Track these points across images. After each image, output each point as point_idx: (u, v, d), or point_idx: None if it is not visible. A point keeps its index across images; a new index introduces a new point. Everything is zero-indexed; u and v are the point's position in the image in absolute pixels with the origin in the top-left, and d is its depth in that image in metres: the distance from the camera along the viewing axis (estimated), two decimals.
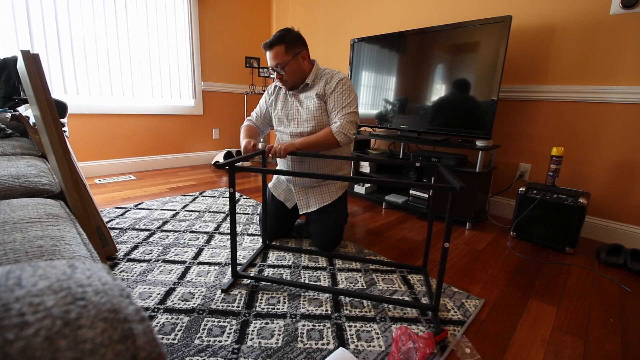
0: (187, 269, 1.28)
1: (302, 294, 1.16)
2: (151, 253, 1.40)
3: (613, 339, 1.03)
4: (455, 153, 2.02)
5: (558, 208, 1.63)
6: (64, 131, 1.60)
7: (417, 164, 1.35)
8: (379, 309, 1.10)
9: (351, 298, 1.15)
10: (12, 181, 0.97)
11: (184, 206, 2.00)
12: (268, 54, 1.40)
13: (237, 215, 1.91)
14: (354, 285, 1.23)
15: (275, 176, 1.70)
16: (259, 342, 0.92)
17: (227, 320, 1.00)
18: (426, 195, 2.03)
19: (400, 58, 2.19)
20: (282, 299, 1.13)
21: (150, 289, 1.14)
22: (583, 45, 1.75)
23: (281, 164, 1.64)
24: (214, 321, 0.99)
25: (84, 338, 0.22)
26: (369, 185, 2.34)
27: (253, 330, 0.96)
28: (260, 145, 3.52)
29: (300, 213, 1.57)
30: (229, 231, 1.66)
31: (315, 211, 1.54)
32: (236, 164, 1.09)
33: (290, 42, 1.38)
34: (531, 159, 2.01)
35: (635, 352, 0.98)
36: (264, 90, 3.46)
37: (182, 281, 1.20)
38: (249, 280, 1.23)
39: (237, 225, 1.76)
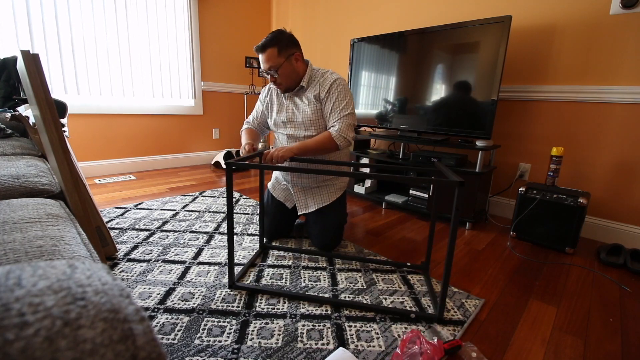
0: (187, 269, 1.28)
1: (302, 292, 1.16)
2: (151, 253, 1.40)
3: (613, 339, 1.03)
4: (455, 153, 2.02)
5: (558, 208, 1.63)
6: (64, 131, 1.60)
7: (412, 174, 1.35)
8: (379, 309, 1.10)
9: (351, 298, 1.15)
10: (12, 181, 0.97)
11: (184, 206, 2.00)
12: (261, 57, 1.37)
13: (237, 215, 1.91)
14: (353, 285, 1.23)
15: (274, 177, 1.70)
16: (259, 342, 0.92)
17: (227, 320, 1.00)
18: (426, 195, 2.03)
19: (400, 58, 2.19)
20: (282, 299, 1.13)
21: (150, 289, 1.14)
22: (583, 45, 1.75)
23: (279, 173, 1.64)
24: (214, 321, 0.99)
25: (84, 338, 0.22)
26: (368, 185, 2.34)
27: (253, 330, 0.96)
28: (260, 145, 3.52)
29: (299, 214, 1.58)
30: None
31: (314, 212, 1.54)
32: (235, 161, 1.08)
33: (282, 44, 1.35)
34: (531, 159, 2.01)
35: (635, 352, 0.98)
36: None
37: (182, 281, 1.20)
38: (248, 281, 1.23)
39: (237, 225, 1.76)
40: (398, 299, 1.16)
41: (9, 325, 0.20)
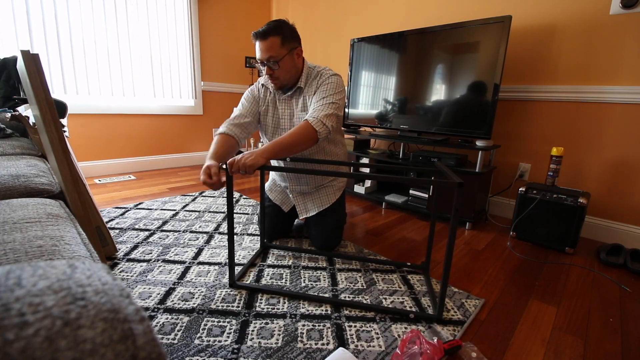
0: (187, 269, 1.28)
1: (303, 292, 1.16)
2: (151, 253, 1.40)
3: (613, 339, 1.03)
4: (455, 153, 2.02)
5: (558, 208, 1.63)
6: (64, 131, 1.60)
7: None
8: (379, 308, 1.10)
9: (351, 298, 1.15)
10: (12, 181, 0.97)
11: (184, 206, 2.00)
12: (260, 45, 1.21)
13: (236, 215, 1.91)
14: (353, 285, 1.23)
15: (270, 179, 1.68)
16: (259, 342, 0.92)
17: (227, 320, 1.00)
18: (426, 195, 2.03)
19: (400, 58, 2.19)
20: (282, 298, 1.13)
21: (150, 289, 1.14)
22: (583, 45, 1.75)
23: (277, 177, 1.58)
24: (214, 321, 0.99)
25: (84, 338, 0.22)
26: (368, 185, 2.34)
27: (253, 330, 0.96)
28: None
29: (299, 218, 1.57)
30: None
31: (314, 214, 1.53)
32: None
33: (286, 34, 1.22)
34: (531, 159, 2.01)
35: (635, 352, 0.98)
36: None
37: (182, 281, 1.20)
38: (248, 281, 1.23)
39: (237, 225, 1.76)
40: (398, 299, 1.16)
41: (9, 325, 0.20)
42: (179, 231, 1.64)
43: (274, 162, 1.49)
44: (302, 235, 1.68)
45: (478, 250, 1.61)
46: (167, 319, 0.99)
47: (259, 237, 1.62)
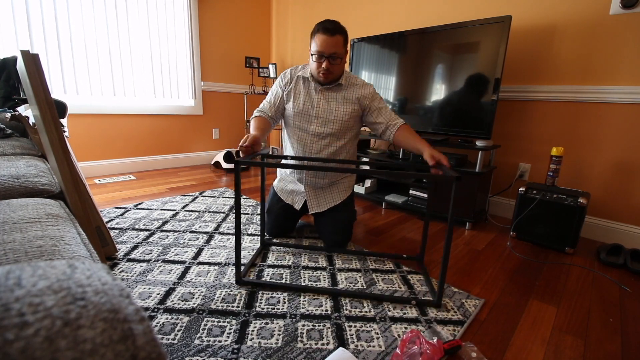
0: (187, 269, 1.28)
1: (302, 293, 1.16)
2: (151, 253, 1.40)
3: (613, 339, 1.03)
4: (455, 153, 2.02)
5: (558, 208, 1.63)
6: (64, 131, 1.60)
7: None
8: (379, 309, 1.10)
9: (351, 298, 1.15)
10: (12, 181, 0.97)
11: (184, 206, 2.00)
12: (327, 40, 1.31)
13: None
14: (353, 285, 1.23)
15: (279, 176, 1.69)
16: (259, 342, 0.92)
17: (227, 320, 1.00)
18: (426, 195, 2.03)
19: (400, 58, 2.19)
20: (282, 299, 1.13)
21: (150, 289, 1.14)
22: (583, 45, 1.75)
23: (296, 173, 1.59)
24: (214, 321, 0.99)
25: (84, 338, 0.22)
26: (368, 185, 2.34)
27: (253, 330, 0.96)
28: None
29: (310, 212, 1.58)
30: (229, 231, 1.66)
31: (325, 210, 1.56)
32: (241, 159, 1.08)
33: (346, 37, 1.37)
34: (531, 159, 2.01)
35: (635, 352, 0.98)
36: (264, 91, 3.47)
37: (182, 281, 1.20)
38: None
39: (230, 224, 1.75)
40: (399, 296, 1.16)
41: (9, 325, 0.20)
42: (179, 231, 1.64)
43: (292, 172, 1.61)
44: (302, 236, 1.68)
45: (478, 250, 1.61)
46: (167, 319, 0.99)
47: (260, 235, 1.61)
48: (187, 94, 3.14)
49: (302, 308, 1.08)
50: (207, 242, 1.54)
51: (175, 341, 0.91)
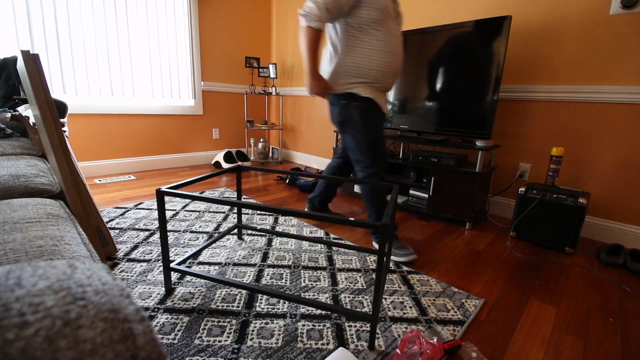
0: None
1: (302, 293, 1.16)
2: (151, 253, 1.40)
3: (613, 339, 1.03)
4: (455, 153, 2.02)
5: (558, 208, 1.63)
6: (64, 131, 1.60)
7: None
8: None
9: (351, 298, 1.15)
10: (12, 181, 0.97)
11: (184, 206, 2.00)
12: None
13: (237, 215, 1.90)
14: (353, 285, 1.23)
15: (364, 82, 1.39)
16: (259, 342, 0.92)
17: (227, 320, 1.00)
18: (426, 195, 2.03)
19: None
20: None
21: (150, 289, 1.14)
22: (583, 45, 1.75)
23: (380, 59, 1.36)
24: (214, 321, 0.99)
25: (84, 338, 0.22)
26: None
27: (253, 330, 0.96)
28: (260, 146, 3.51)
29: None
30: (229, 231, 1.66)
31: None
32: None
33: None
34: (531, 159, 2.01)
35: (635, 352, 0.98)
36: (264, 91, 3.47)
37: (182, 281, 1.20)
38: (248, 280, 1.23)
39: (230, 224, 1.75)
40: (398, 299, 1.16)
41: (9, 325, 0.20)
42: (179, 231, 1.64)
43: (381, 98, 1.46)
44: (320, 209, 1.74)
45: (478, 250, 1.61)
46: (167, 319, 0.99)
47: (259, 236, 1.61)
48: (187, 94, 3.14)
49: (302, 308, 1.08)
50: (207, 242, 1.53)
51: (176, 341, 0.91)
